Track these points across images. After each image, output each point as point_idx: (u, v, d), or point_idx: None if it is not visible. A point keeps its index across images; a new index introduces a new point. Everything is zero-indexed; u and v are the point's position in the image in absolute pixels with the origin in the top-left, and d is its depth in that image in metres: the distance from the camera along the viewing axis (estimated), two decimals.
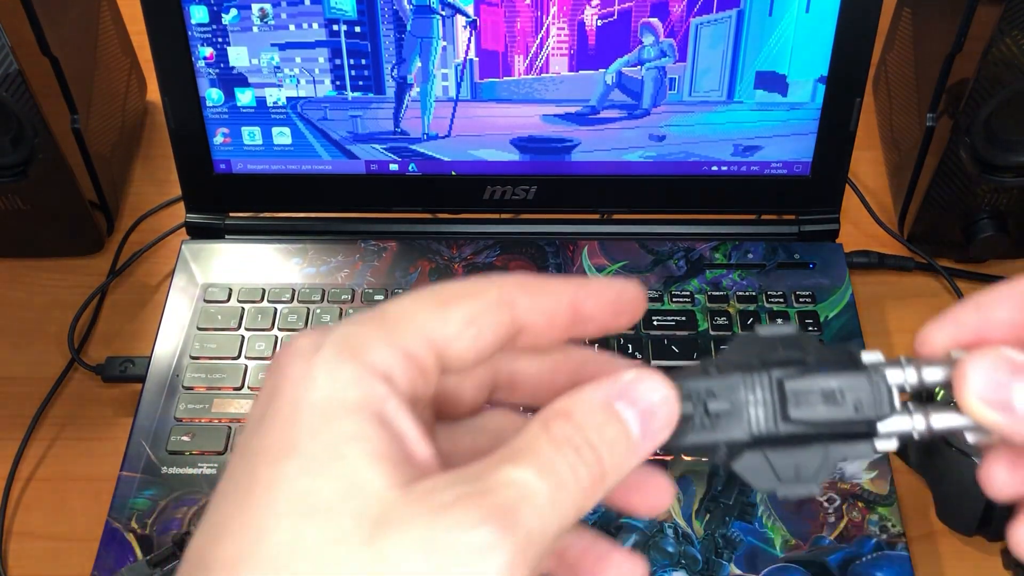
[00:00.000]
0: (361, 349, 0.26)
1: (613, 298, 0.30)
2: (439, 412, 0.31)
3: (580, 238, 0.68)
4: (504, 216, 0.69)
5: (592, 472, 0.26)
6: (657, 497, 0.30)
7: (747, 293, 0.64)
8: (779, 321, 0.32)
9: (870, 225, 0.71)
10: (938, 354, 0.30)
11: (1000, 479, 0.30)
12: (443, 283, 0.28)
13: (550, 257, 0.67)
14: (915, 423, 0.29)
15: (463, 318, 0.28)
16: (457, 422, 0.32)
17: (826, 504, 0.56)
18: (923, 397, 0.32)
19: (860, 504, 0.56)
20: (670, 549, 0.54)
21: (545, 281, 0.29)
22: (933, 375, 0.30)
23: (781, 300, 0.64)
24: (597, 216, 0.69)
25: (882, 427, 0.30)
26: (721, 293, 0.64)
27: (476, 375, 0.32)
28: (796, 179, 0.65)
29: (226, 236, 0.68)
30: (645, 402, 0.27)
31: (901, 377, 0.30)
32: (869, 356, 0.30)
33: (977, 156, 0.62)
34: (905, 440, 0.30)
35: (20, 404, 0.63)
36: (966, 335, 0.30)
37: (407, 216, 0.68)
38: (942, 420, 0.29)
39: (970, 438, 0.29)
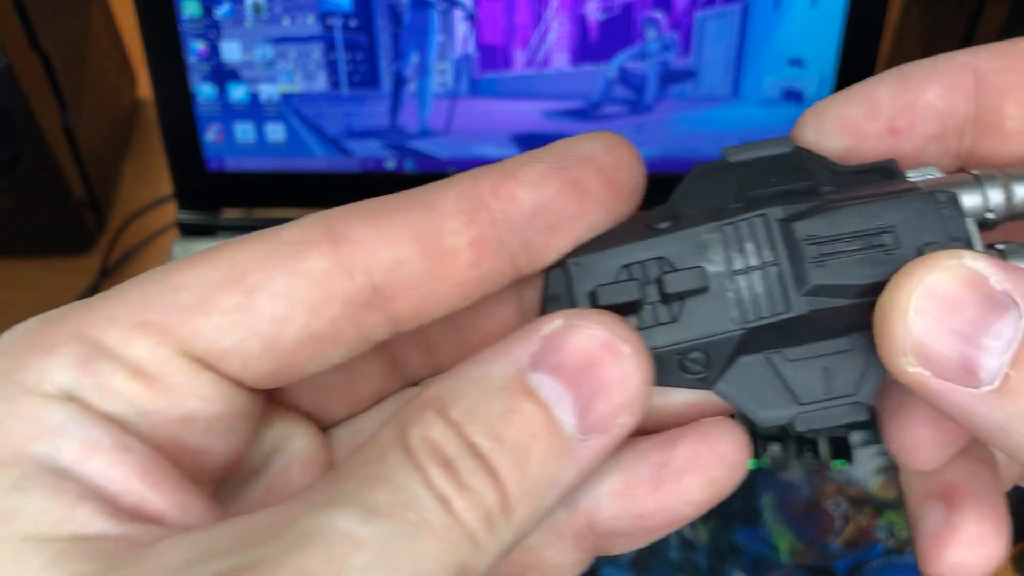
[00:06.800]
0: (24, 358, 0.16)
1: (558, 186, 0.19)
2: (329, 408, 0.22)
3: None
4: None
5: (482, 503, 0.16)
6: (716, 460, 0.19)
7: None
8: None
9: None
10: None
11: (927, 442, 0.21)
12: (226, 245, 0.18)
13: None
14: None
15: (231, 308, 0.17)
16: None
17: (833, 509, 0.55)
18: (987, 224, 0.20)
19: (868, 509, 0.55)
20: (673, 557, 0.53)
21: (411, 202, 0.19)
22: None
23: None
24: None
25: None
26: None
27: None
28: None
29: (218, 234, 0.67)
30: (585, 367, 0.17)
31: (979, 200, 0.19)
32: (919, 172, 0.20)
33: None
34: None
35: None
36: (876, 125, 0.20)
37: None
38: None
39: None
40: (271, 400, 0.21)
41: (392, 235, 0.18)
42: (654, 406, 0.20)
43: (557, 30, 0.59)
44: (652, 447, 0.20)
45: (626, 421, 0.17)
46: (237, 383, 0.18)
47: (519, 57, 0.60)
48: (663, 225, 0.19)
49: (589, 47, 0.60)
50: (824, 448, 0.56)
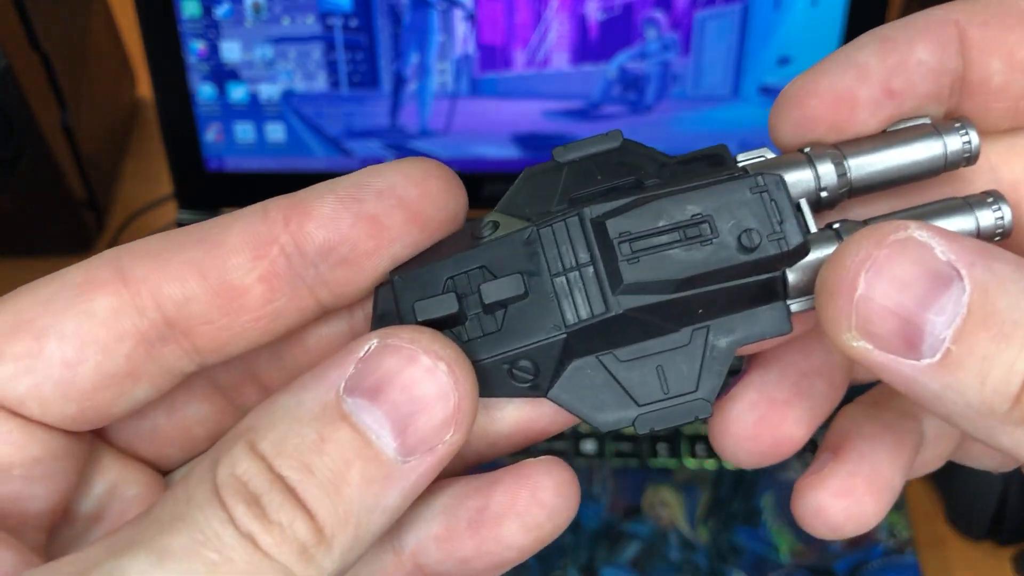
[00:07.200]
0: None
1: (349, 217, 0.18)
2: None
3: None
4: None
5: (292, 537, 0.16)
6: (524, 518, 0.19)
7: None
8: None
9: None
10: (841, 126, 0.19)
11: (746, 422, 0.20)
12: (17, 291, 0.18)
13: None
14: None
15: (21, 355, 0.17)
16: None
17: None
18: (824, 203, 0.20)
19: None
20: (674, 557, 0.53)
21: (199, 237, 0.18)
22: (865, 166, 0.19)
23: None
24: None
25: (794, 274, 0.18)
26: None
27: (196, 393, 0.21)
28: None
29: None
30: (401, 387, 0.17)
31: (809, 178, 0.19)
32: (750, 155, 0.19)
33: None
34: None
35: None
36: (869, 90, 0.19)
37: None
38: None
39: None
40: (103, 446, 0.21)
41: (179, 272, 0.18)
42: (482, 427, 0.20)
43: (557, 30, 0.59)
44: (472, 490, 0.19)
45: (452, 438, 0.17)
46: (48, 427, 0.18)
47: (519, 57, 0.60)
48: (486, 233, 0.19)
49: (589, 47, 0.60)
50: None
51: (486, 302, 0.18)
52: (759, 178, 0.18)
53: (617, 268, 0.17)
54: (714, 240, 0.18)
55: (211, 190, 0.66)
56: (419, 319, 0.18)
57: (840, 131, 0.20)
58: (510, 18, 0.59)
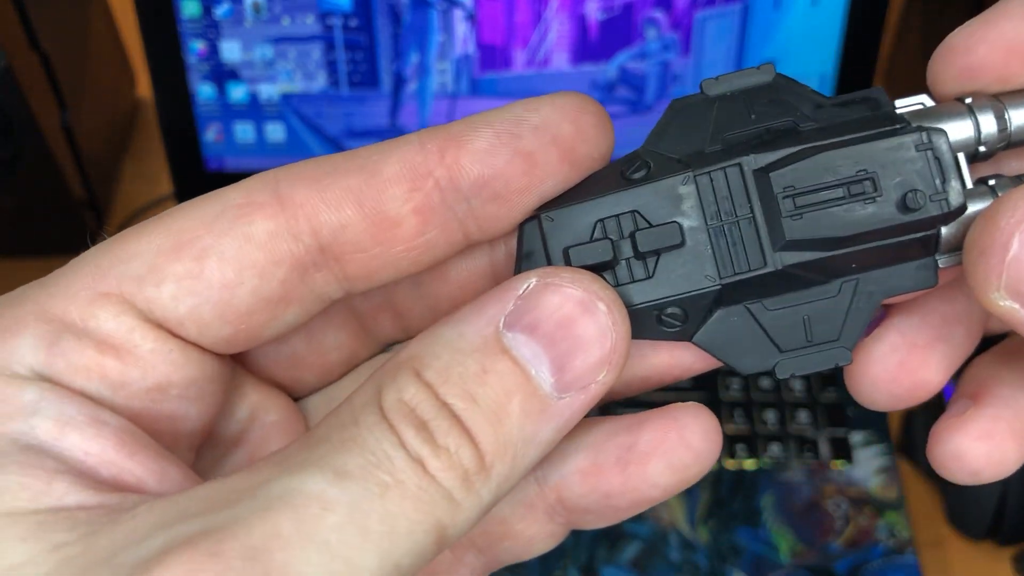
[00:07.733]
0: None
1: (506, 147, 0.18)
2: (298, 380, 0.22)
3: None
4: None
5: (458, 463, 0.16)
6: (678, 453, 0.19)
7: None
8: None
9: None
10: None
11: (890, 363, 0.20)
12: (174, 210, 0.19)
13: None
14: None
15: (182, 275, 0.18)
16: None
17: (833, 509, 0.55)
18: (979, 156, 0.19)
19: (868, 509, 0.55)
20: (674, 557, 0.53)
21: (356, 164, 0.18)
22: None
23: None
24: None
25: (946, 229, 0.18)
26: None
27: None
28: None
29: None
30: (560, 326, 0.17)
31: (970, 130, 0.19)
32: (908, 102, 0.19)
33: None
34: None
35: None
36: None
37: None
38: None
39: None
40: (243, 371, 0.21)
41: (336, 199, 0.18)
42: (631, 366, 0.20)
43: (557, 30, 0.59)
44: (620, 428, 0.20)
45: (605, 378, 0.17)
46: (202, 348, 0.19)
47: (519, 57, 0.60)
48: (638, 175, 0.19)
49: (589, 47, 0.60)
50: (824, 448, 0.56)
51: (641, 250, 0.18)
52: (923, 135, 0.18)
53: (779, 224, 0.17)
54: (877, 199, 0.18)
55: (211, 190, 0.66)
56: (574, 264, 0.18)
57: (1007, 82, 0.19)
58: (510, 18, 0.59)
